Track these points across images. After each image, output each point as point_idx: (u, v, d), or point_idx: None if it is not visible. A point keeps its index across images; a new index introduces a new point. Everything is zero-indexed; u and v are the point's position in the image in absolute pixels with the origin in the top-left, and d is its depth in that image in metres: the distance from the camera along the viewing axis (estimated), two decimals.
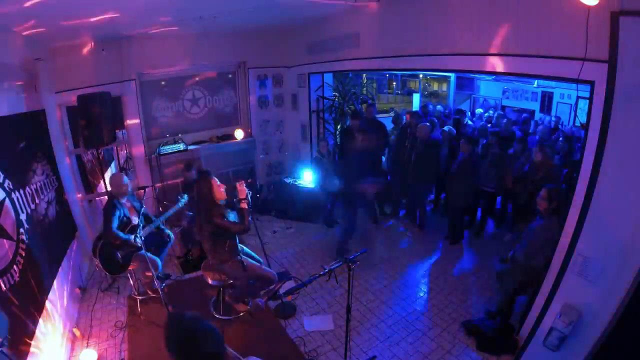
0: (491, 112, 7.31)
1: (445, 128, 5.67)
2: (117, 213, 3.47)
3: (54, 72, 4.27)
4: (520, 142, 4.92)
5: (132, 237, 3.43)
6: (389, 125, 6.26)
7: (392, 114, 7.73)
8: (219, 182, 3.20)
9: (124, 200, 3.64)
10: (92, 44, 4.57)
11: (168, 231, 4.04)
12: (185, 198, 4.05)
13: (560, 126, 6.48)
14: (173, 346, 1.41)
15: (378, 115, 6.88)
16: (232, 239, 3.29)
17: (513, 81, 8.01)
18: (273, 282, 3.41)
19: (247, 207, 3.16)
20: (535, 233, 3.16)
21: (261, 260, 3.66)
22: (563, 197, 3.03)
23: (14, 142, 3.20)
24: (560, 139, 5.12)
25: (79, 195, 4.68)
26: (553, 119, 6.76)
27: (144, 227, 3.61)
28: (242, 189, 3.18)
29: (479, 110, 7.74)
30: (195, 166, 4.79)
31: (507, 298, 3.41)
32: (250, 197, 3.23)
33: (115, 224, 3.42)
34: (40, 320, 2.74)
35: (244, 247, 3.55)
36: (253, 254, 3.61)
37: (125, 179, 3.66)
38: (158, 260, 3.68)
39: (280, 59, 6.14)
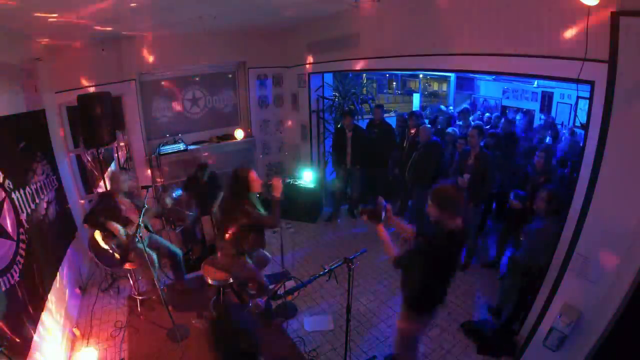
0: (488, 114, 7.27)
1: (449, 129, 5.62)
2: (103, 204, 3.57)
3: (54, 72, 4.26)
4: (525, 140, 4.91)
5: (115, 224, 3.46)
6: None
7: (393, 114, 7.70)
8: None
9: (122, 197, 3.68)
10: (92, 44, 4.57)
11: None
12: (178, 192, 4.04)
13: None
14: (215, 339, 1.48)
15: None
16: (257, 231, 3.29)
17: (513, 81, 7.98)
18: (265, 291, 3.40)
19: (279, 202, 3.19)
20: (535, 235, 3.15)
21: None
22: (563, 199, 3.03)
23: (14, 142, 3.19)
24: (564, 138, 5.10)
25: (79, 195, 4.68)
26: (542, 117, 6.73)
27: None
28: (278, 185, 3.19)
29: None
30: (209, 169, 4.69)
31: (515, 299, 3.38)
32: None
33: (98, 212, 3.51)
34: (40, 320, 2.74)
35: None
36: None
37: (124, 176, 3.75)
38: (154, 255, 3.64)
39: (280, 59, 6.13)
